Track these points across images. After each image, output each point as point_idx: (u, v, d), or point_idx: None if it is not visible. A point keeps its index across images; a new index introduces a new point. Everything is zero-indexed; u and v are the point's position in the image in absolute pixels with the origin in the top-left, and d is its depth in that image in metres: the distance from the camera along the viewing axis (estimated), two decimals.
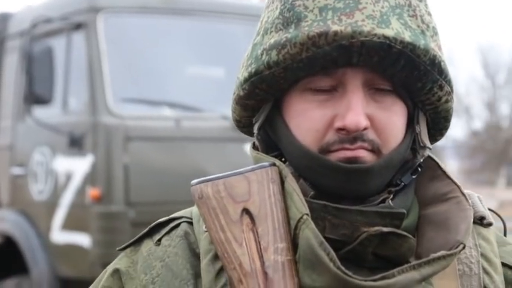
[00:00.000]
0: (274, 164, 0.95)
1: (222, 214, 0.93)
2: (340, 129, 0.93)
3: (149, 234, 1.03)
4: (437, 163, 1.01)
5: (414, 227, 0.96)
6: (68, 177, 4.65)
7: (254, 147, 1.03)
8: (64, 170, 4.69)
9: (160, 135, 4.57)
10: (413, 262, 0.89)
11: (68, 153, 4.67)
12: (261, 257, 0.90)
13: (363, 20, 0.90)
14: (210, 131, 4.60)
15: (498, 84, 32.96)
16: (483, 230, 1.00)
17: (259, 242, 0.91)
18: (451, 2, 59.35)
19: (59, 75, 4.78)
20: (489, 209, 1.03)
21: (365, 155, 0.93)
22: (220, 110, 4.61)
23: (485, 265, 0.97)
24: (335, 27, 0.90)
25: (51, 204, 4.71)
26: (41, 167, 4.88)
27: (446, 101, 0.98)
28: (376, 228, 0.90)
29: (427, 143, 1.00)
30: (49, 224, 4.71)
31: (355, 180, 0.93)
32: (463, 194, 0.97)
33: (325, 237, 0.90)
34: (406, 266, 0.89)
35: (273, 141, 1.00)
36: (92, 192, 4.43)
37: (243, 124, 1.04)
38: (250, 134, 1.05)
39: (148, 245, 1.02)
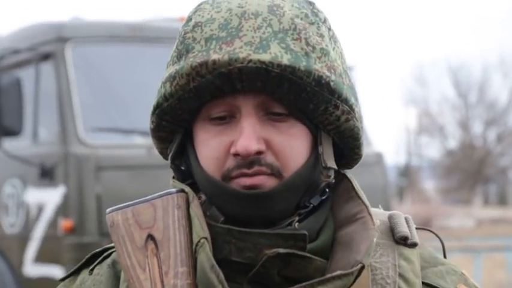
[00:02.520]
0: (182, 191, 0.98)
1: (129, 241, 0.97)
2: (236, 155, 0.96)
3: (86, 264, 1.08)
4: (352, 185, 1.03)
5: (328, 249, 0.98)
6: (40, 209, 4.59)
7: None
8: (35, 201, 4.64)
9: (132, 164, 4.54)
10: (308, 282, 0.93)
11: (39, 185, 4.62)
12: (161, 281, 0.94)
13: (241, 47, 0.94)
14: None
15: (470, 103, 33.31)
16: (406, 251, 1.01)
17: (161, 267, 0.94)
18: (420, 21, 60.11)
19: (29, 106, 4.74)
20: (427, 229, 1.06)
21: (264, 181, 0.95)
22: None
23: (402, 285, 0.99)
24: (214, 56, 0.95)
25: (23, 237, 4.64)
26: (11, 200, 4.82)
27: (347, 120, 0.99)
28: (274, 250, 0.93)
29: (330, 163, 1.01)
30: (21, 257, 4.64)
31: (256, 206, 0.95)
32: (370, 214, 0.99)
33: (232, 261, 0.95)
34: (300, 285, 0.92)
35: (189, 170, 1.03)
36: (65, 223, 4.38)
37: (165, 156, 1.07)
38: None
39: (84, 274, 1.07)
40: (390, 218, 1.03)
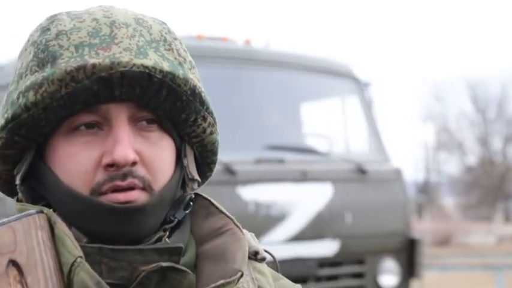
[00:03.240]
0: (42, 212, 0.92)
1: None
2: (109, 166, 0.92)
3: None
4: (210, 201, 1.02)
5: (193, 265, 0.97)
6: None
7: (18, 200, 0.99)
8: None
9: None
10: None
11: None
12: None
13: (120, 52, 0.92)
14: None
15: (489, 118, 33.13)
16: (258, 265, 1.03)
17: None
18: (438, 37, 60.01)
19: None
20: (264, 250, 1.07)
21: (137, 196, 0.92)
22: None
23: None
24: (93, 60, 0.91)
25: None
26: None
27: (211, 133, 1.01)
28: (155, 264, 0.90)
29: (195, 175, 1.02)
30: None
31: (129, 221, 0.91)
32: (237, 226, 0.99)
33: None
34: None
35: (39, 192, 0.97)
36: None
37: (4, 181, 1.00)
38: (13, 193, 1.01)
39: None
40: None
